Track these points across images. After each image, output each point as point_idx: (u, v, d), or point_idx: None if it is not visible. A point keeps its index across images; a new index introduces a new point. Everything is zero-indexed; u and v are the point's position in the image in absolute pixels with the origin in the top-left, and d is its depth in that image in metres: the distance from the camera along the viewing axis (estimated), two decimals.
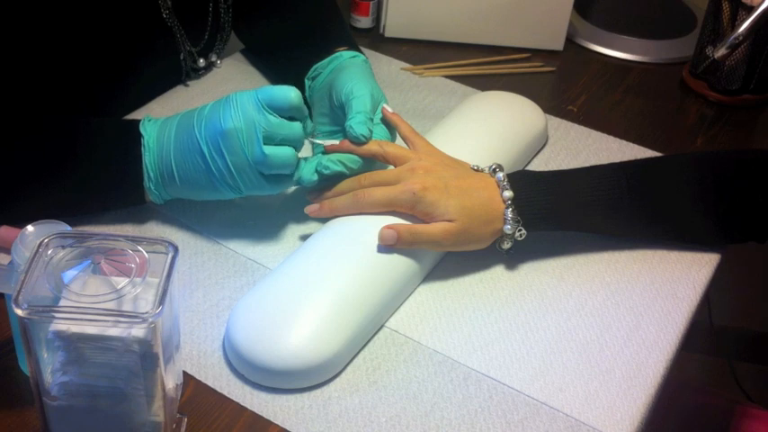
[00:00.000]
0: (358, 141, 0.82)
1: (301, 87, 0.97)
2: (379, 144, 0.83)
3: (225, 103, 0.79)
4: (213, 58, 1.08)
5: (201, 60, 1.06)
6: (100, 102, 0.93)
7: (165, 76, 1.04)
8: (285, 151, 0.78)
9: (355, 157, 0.83)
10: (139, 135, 0.81)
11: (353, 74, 0.89)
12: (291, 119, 0.79)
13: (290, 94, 0.78)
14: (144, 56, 0.96)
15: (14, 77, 0.84)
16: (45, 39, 0.86)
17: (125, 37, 0.93)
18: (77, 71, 0.90)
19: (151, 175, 0.81)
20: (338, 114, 0.88)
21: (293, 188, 0.91)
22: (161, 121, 0.82)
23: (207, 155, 0.78)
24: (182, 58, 1.03)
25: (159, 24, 0.97)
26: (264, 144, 0.77)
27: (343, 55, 0.94)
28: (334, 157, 0.82)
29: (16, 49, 0.84)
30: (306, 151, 0.86)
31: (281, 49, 1.05)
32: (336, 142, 0.84)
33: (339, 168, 0.82)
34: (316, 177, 0.82)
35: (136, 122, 0.82)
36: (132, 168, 0.81)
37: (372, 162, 0.84)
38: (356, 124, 0.82)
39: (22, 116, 0.82)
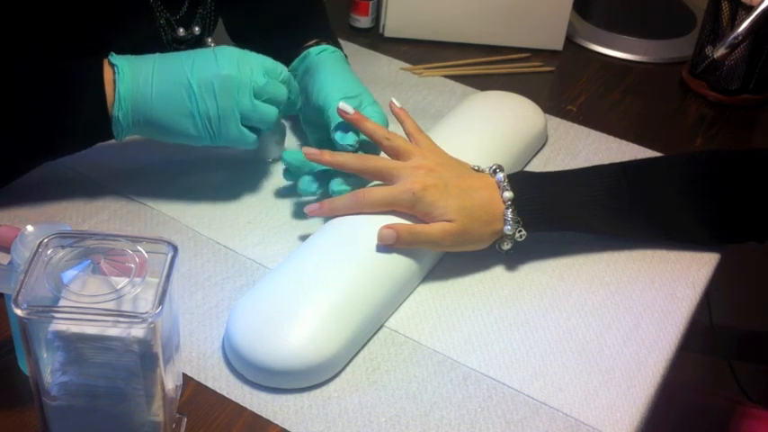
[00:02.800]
0: (346, 152, 0.84)
1: None
2: (386, 136, 0.83)
3: (220, 51, 0.81)
4: (197, 30, 1.02)
5: (181, 30, 1.00)
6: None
7: (146, 48, 1.00)
8: (270, 108, 0.82)
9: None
10: (109, 73, 0.80)
11: (324, 78, 0.89)
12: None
13: (283, 70, 0.83)
14: (118, 26, 0.92)
15: None
16: (15, 18, 0.83)
17: (94, 6, 0.89)
18: (58, 41, 0.86)
19: (123, 105, 0.80)
20: (320, 121, 0.89)
21: (290, 185, 0.91)
22: (133, 57, 0.82)
23: (196, 94, 0.79)
24: (157, 26, 0.97)
25: None
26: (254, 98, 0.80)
27: (311, 52, 0.94)
28: (340, 181, 0.85)
29: None
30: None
31: (262, 42, 1.02)
32: (315, 150, 0.83)
33: (346, 188, 0.84)
34: (314, 189, 0.85)
35: (100, 63, 0.81)
36: (99, 111, 0.80)
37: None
38: (342, 136, 0.84)
39: None
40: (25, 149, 0.82)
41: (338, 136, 0.84)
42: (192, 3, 1.00)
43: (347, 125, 0.85)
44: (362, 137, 0.85)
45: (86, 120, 0.81)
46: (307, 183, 0.85)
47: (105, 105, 0.79)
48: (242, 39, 1.10)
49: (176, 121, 0.80)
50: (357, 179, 0.85)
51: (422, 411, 0.70)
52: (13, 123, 0.79)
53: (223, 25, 1.09)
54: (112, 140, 0.82)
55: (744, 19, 1.07)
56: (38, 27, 0.85)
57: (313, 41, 0.96)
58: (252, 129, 0.83)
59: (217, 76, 0.79)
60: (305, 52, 0.95)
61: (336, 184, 0.84)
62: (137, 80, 0.80)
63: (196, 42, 1.04)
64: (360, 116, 0.84)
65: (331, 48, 0.95)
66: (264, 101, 0.81)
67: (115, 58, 0.81)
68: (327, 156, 0.83)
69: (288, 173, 0.89)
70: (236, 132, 0.81)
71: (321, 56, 0.94)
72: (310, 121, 0.92)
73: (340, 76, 0.90)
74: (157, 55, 0.82)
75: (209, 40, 1.05)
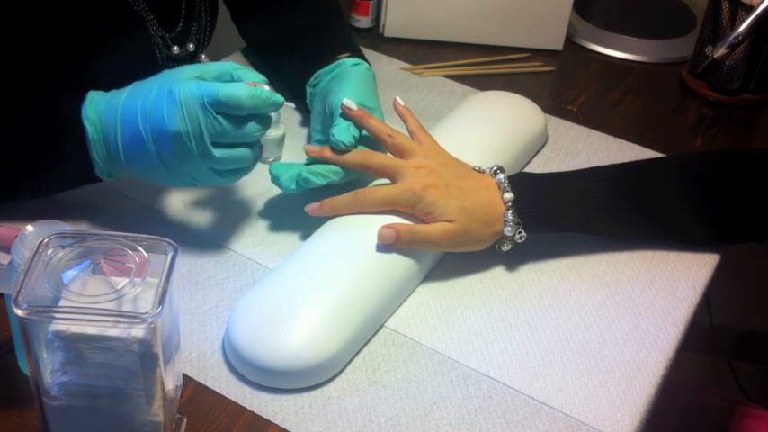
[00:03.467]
0: (338, 148, 0.82)
1: (303, 94, 0.97)
2: (389, 134, 0.83)
3: (168, 99, 0.74)
4: (191, 48, 1.02)
5: (175, 48, 1.00)
6: (73, 86, 0.90)
7: (140, 64, 0.98)
8: (238, 153, 0.76)
9: (337, 168, 0.83)
10: (83, 128, 0.78)
11: (349, 84, 0.88)
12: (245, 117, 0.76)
13: (239, 97, 0.73)
14: (112, 41, 0.92)
15: None
16: (7, 29, 0.83)
17: (88, 21, 0.89)
18: (46, 56, 0.87)
19: (101, 165, 0.79)
20: (329, 124, 0.88)
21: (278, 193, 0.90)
22: (104, 106, 0.78)
23: (155, 155, 0.75)
24: (152, 43, 0.98)
25: (126, 8, 0.93)
26: (215, 145, 0.75)
27: (345, 62, 0.93)
28: (315, 168, 0.82)
29: None
30: (296, 156, 0.86)
31: (282, 51, 1.04)
32: (316, 147, 0.84)
33: (319, 181, 0.82)
34: (294, 187, 0.82)
35: (78, 116, 0.78)
36: (82, 159, 0.79)
37: (358, 171, 0.84)
38: (338, 132, 0.82)
39: None
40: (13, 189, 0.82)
41: (336, 132, 0.82)
42: (187, 20, 1.00)
43: (347, 125, 0.84)
44: (364, 133, 0.85)
45: (75, 176, 0.81)
46: (288, 180, 0.83)
47: (92, 167, 0.79)
48: (260, 48, 1.11)
49: (153, 177, 0.79)
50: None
51: (422, 411, 0.70)
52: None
53: (215, 41, 1.09)
54: None
55: (744, 19, 1.07)
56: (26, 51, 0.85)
57: (346, 54, 0.94)
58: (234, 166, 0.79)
59: (168, 137, 0.74)
60: (339, 61, 0.93)
61: (305, 171, 0.82)
62: (108, 144, 0.78)
63: (190, 59, 1.04)
64: (363, 113, 0.83)
65: (366, 65, 0.94)
66: (229, 145, 0.76)
67: (87, 118, 0.78)
68: (328, 152, 0.83)
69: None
70: (212, 180, 0.78)
71: (356, 68, 0.92)
72: (321, 123, 0.91)
73: (360, 88, 0.88)
74: (122, 103, 0.78)
75: (203, 56, 1.06)
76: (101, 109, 0.78)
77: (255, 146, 0.79)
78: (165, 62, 1.01)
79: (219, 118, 0.74)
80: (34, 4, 0.84)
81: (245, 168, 0.79)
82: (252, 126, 0.76)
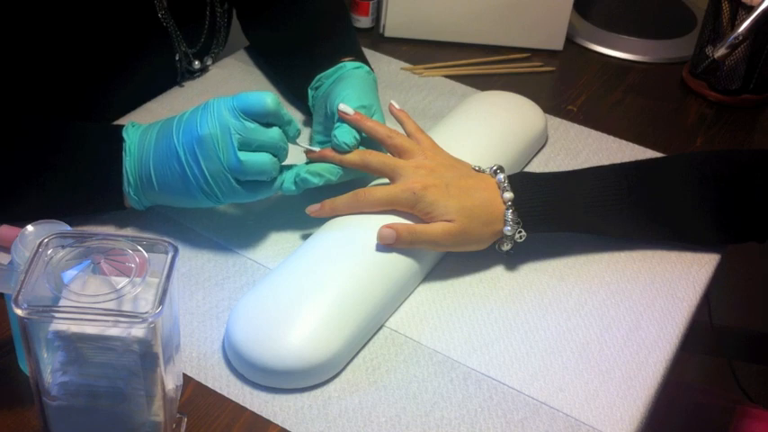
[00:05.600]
0: (341, 149, 0.82)
1: (305, 96, 0.97)
2: (388, 134, 0.83)
3: (203, 109, 0.78)
4: (208, 62, 1.08)
5: (197, 63, 1.05)
6: (93, 100, 0.93)
7: (160, 77, 1.04)
8: (261, 158, 0.77)
9: (336, 168, 0.82)
10: (121, 140, 0.80)
11: (349, 85, 0.88)
12: (269, 125, 0.78)
13: (265, 99, 0.76)
14: (138, 55, 0.95)
15: (1, 77, 0.84)
16: (36, 37, 0.85)
17: (119, 35, 0.92)
18: (70, 69, 0.89)
19: (131, 179, 0.80)
20: (331, 125, 0.88)
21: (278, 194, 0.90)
22: (144, 127, 0.82)
23: (183, 160, 0.77)
24: (177, 58, 1.02)
25: (154, 24, 0.97)
26: (240, 150, 0.76)
27: (347, 66, 0.93)
28: (313, 168, 0.82)
29: (5, 47, 0.83)
30: (296, 158, 0.85)
31: (286, 53, 1.04)
32: (317, 149, 0.84)
33: (316, 181, 0.81)
34: (294, 188, 0.82)
35: (119, 127, 0.82)
36: (113, 172, 0.80)
37: (356, 171, 0.84)
38: (340, 133, 0.82)
39: (2, 117, 0.81)
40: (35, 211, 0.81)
41: (338, 134, 0.82)
42: (209, 34, 1.04)
43: (348, 127, 0.84)
44: (364, 136, 0.85)
45: (100, 193, 0.82)
46: (287, 181, 0.83)
47: (121, 185, 0.81)
48: (265, 49, 1.12)
49: (176, 190, 0.79)
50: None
51: (422, 411, 0.70)
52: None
53: (229, 54, 1.12)
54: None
55: (744, 19, 1.07)
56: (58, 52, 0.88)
57: (350, 57, 0.95)
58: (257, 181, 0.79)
59: (197, 140, 0.76)
60: (340, 64, 0.94)
61: (303, 171, 0.82)
62: (140, 155, 0.80)
63: (202, 73, 1.08)
64: (360, 116, 0.84)
65: (367, 68, 0.94)
66: (255, 149, 0.77)
67: (127, 132, 0.81)
68: (329, 153, 0.83)
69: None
70: (232, 190, 0.78)
71: (356, 71, 0.92)
72: (321, 122, 0.92)
73: (361, 91, 0.89)
74: (160, 123, 0.81)
75: (210, 62, 1.08)
76: (141, 130, 0.81)
77: (279, 153, 0.79)
78: (183, 75, 1.04)
79: (245, 122, 0.76)
80: (65, 16, 0.86)
81: (268, 183, 0.79)
82: (275, 131, 0.78)
